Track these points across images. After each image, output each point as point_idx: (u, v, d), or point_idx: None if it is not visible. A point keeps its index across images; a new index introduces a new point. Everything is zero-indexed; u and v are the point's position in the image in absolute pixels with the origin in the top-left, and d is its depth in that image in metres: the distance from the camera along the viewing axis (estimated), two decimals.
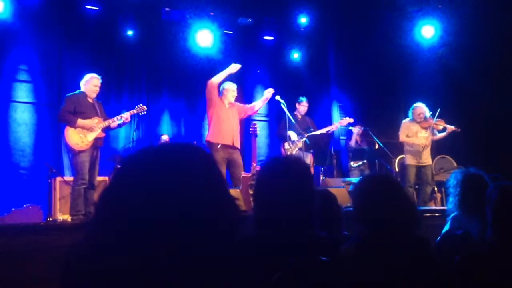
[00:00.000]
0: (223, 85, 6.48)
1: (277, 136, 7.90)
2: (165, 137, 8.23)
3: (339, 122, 8.03)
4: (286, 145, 7.38)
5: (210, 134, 6.35)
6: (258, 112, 7.22)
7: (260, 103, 6.80)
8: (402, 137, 7.26)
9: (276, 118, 8.68)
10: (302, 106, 7.80)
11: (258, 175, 1.89)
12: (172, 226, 0.84)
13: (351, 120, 7.92)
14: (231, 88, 6.49)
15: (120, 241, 0.84)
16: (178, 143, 0.95)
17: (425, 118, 7.21)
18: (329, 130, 7.70)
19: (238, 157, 6.31)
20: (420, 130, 7.22)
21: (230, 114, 6.42)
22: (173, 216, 0.85)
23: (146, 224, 0.84)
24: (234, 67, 6.39)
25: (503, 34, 8.09)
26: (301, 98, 7.83)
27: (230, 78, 6.58)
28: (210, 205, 0.88)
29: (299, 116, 7.76)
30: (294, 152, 7.24)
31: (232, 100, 6.51)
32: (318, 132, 7.55)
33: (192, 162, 0.93)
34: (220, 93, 6.48)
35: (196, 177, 0.91)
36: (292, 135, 7.37)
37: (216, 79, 6.31)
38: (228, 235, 0.91)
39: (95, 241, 0.88)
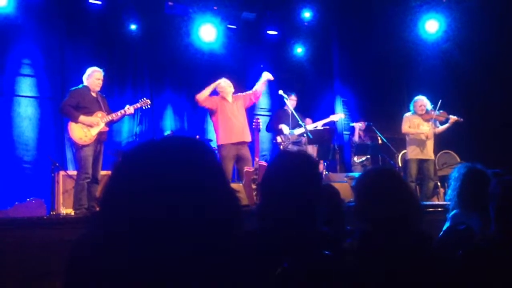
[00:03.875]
0: (218, 86, 6.47)
1: (270, 130, 7.71)
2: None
3: (330, 117, 7.75)
4: (279, 139, 7.32)
5: (220, 137, 6.32)
6: (261, 107, 7.17)
7: (260, 86, 6.63)
8: (404, 128, 7.22)
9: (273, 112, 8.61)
10: (292, 100, 7.51)
11: (268, 168, 1.88)
12: (173, 219, 0.84)
13: (343, 116, 8.05)
14: (227, 84, 6.48)
15: (122, 235, 0.84)
16: (178, 136, 0.95)
17: (427, 111, 7.17)
18: (324, 124, 7.52)
19: (246, 152, 6.30)
20: (422, 123, 7.17)
21: (236, 109, 6.41)
22: (174, 209, 0.85)
23: (147, 218, 0.83)
24: (220, 82, 6.42)
25: (507, 28, 8.04)
26: (289, 92, 7.50)
27: (231, 73, 6.56)
28: (211, 199, 0.88)
29: (289, 111, 7.62)
30: (288, 146, 7.17)
31: (232, 92, 6.49)
32: (313, 125, 7.44)
33: (193, 155, 0.93)
34: (218, 93, 6.47)
35: (197, 170, 0.90)
36: (284, 128, 7.27)
37: (202, 95, 6.35)
38: (229, 229, 0.91)
39: (98, 235, 0.88)
